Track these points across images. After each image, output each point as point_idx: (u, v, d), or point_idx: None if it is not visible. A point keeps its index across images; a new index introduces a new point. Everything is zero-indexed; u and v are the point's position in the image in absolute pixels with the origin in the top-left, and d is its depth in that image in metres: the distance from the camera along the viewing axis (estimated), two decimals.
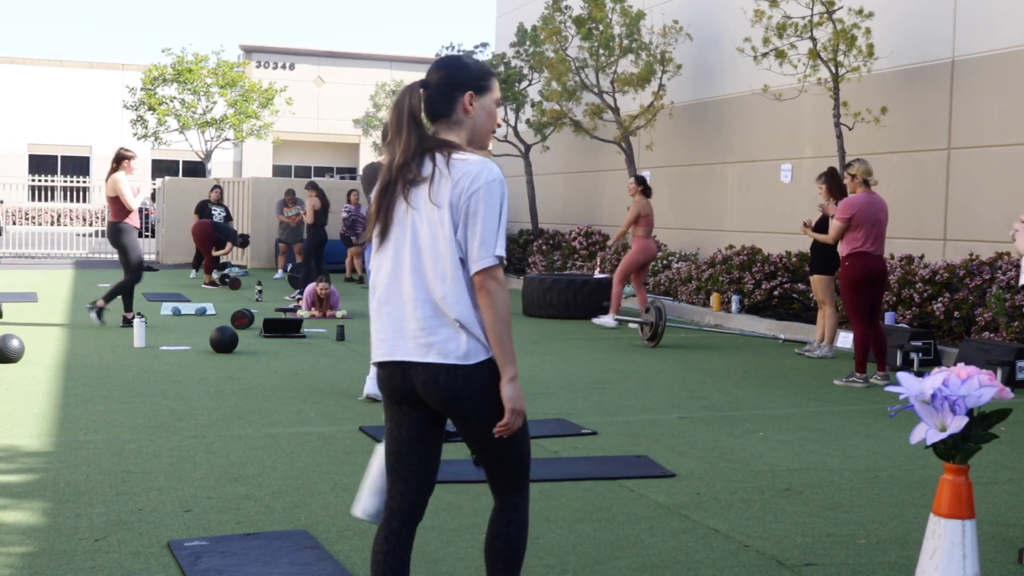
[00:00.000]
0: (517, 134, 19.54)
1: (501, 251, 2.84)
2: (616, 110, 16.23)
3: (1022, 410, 7.06)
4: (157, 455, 5.68)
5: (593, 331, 12.06)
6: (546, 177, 20.21)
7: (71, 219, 36.07)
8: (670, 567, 4.06)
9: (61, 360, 8.97)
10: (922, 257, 11.41)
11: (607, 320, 12.35)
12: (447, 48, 21.05)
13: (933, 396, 3.12)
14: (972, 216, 11.41)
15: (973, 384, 3.10)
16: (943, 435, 3.10)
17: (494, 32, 23.06)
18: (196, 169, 43.37)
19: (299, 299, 13.95)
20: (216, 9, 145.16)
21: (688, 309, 13.54)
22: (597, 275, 13.94)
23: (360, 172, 46.99)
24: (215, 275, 17.49)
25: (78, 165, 48.62)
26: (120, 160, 11.34)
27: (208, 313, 12.82)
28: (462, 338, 2.86)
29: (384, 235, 2.95)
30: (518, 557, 3.01)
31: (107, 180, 11.31)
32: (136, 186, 11.46)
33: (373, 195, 3.05)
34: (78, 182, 30.72)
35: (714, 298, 13.22)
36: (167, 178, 23.22)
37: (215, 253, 17.48)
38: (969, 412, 3.12)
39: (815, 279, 10.08)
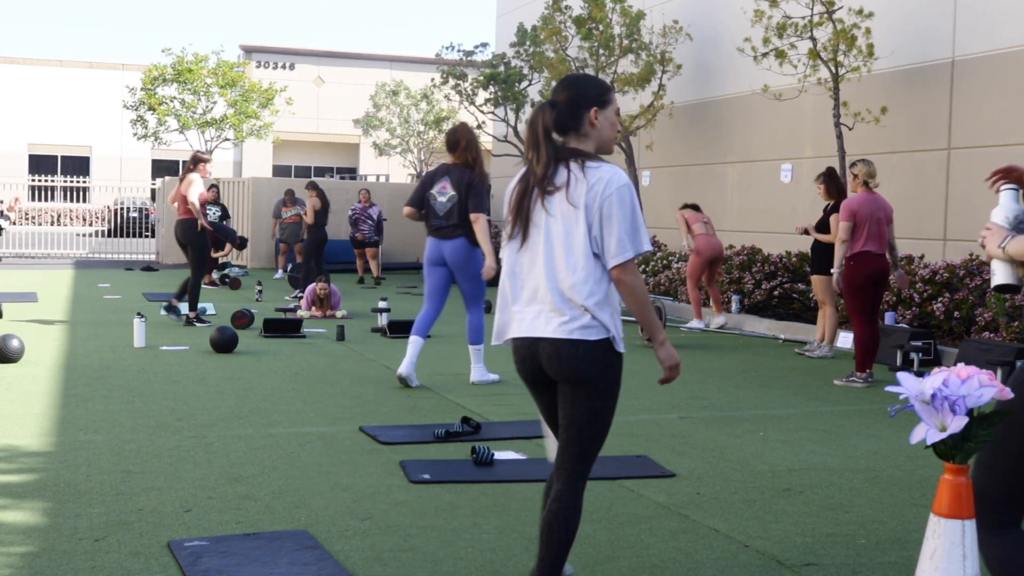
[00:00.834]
0: (517, 134, 19.54)
1: (643, 247, 3.30)
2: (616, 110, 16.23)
3: None
4: (157, 455, 5.68)
5: None
6: None
7: (71, 219, 36.06)
8: (670, 567, 4.06)
9: (61, 360, 8.97)
10: (922, 257, 11.41)
11: (696, 324, 12.17)
12: (447, 48, 21.06)
13: (933, 396, 3.12)
14: (972, 216, 11.41)
15: (973, 384, 3.10)
16: (943, 435, 3.10)
17: (494, 32, 23.06)
18: None
19: (300, 298, 13.99)
20: (216, 9, 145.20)
21: (688, 309, 13.54)
22: None
23: (360, 172, 46.97)
24: (215, 275, 17.49)
25: (78, 165, 48.61)
26: (197, 162, 11.63)
27: (208, 313, 12.82)
28: (585, 319, 3.29)
29: (524, 235, 3.41)
30: (571, 540, 3.39)
31: (181, 180, 11.50)
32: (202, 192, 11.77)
33: (511, 199, 3.46)
34: (78, 182, 30.70)
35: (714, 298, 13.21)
36: (167, 178, 23.22)
37: (214, 255, 17.46)
38: (969, 412, 3.12)
39: (815, 279, 10.08)
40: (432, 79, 22.74)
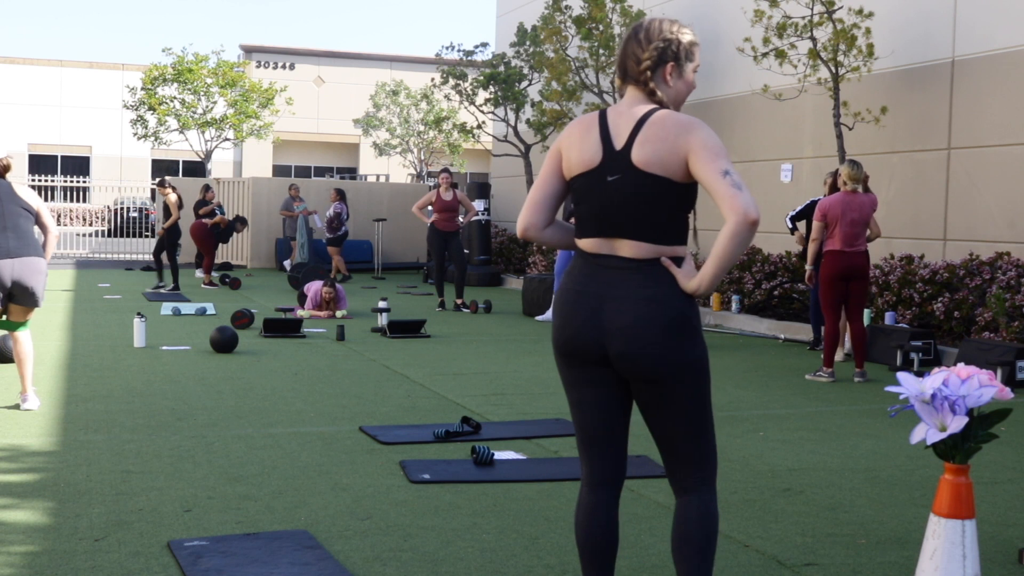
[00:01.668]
0: (517, 134, 19.54)
1: None
2: None
3: (1022, 410, 7.06)
4: (157, 455, 5.68)
5: None
6: None
7: (71, 219, 36.06)
8: (670, 567, 4.05)
9: (61, 360, 8.97)
10: (922, 257, 11.41)
11: None
12: (447, 48, 21.06)
13: (933, 396, 3.12)
14: (972, 216, 11.41)
15: (973, 384, 3.10)
16: (943, 435, 3.10)
17: (494, 32, 23.06)
18: (196, 169, 43.39)
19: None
20: (216, 9, 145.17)
21: None
22: None
23: (360, 172, 46.95)
24: (215, 275, 17.49)
25: (78, 165, 48.61)
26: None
27: (208, 313, 12.83)
28: None
29: None
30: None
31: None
32: None
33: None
34: (78, 182, 30.71)
35: (714, 298, 13.23)
36: (167, 178, 23.24)
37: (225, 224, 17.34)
38: (969, 412, 3.12)
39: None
40: (432, 79, 22.76)
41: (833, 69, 12.18)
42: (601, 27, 16.13)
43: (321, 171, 49.82)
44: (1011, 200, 10.95)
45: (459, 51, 20.96)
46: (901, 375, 3.22)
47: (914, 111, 12.20)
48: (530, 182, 19.61)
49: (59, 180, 30.87)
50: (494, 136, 21.37)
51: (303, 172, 49.74)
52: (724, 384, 8.49)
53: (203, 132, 33.40)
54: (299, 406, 7.16)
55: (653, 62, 3.03)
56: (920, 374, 5.48)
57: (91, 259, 24.02)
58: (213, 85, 33.31)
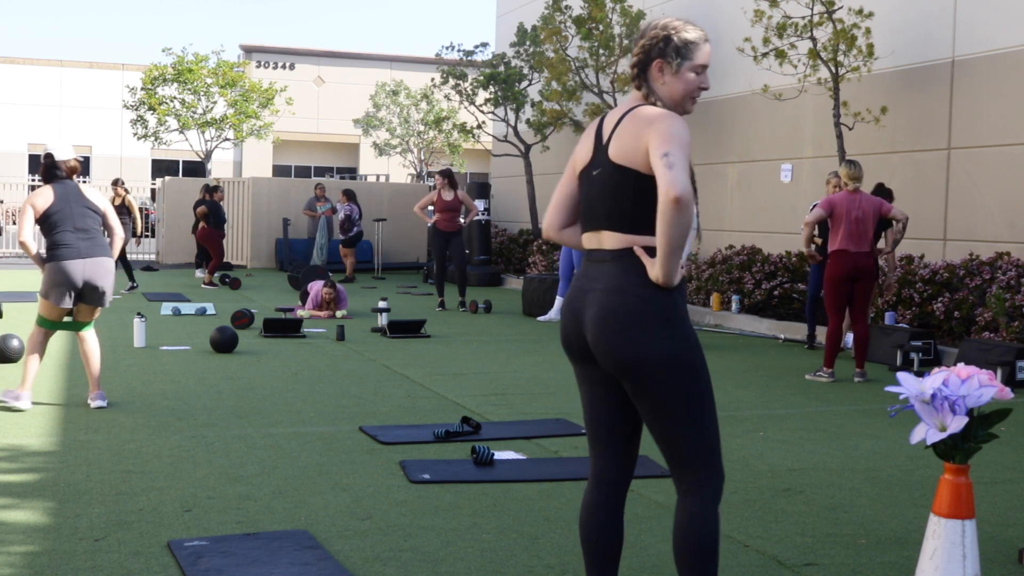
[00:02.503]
0: (517, 134, 19.54)
1: None
2: None
3: (1022, 410, 7.06)
4: (157, 455, 5.68)
5: None
6: (546, 177, 20.21)
7: None
8: (670, 567, 4.05)
9: (61, 360, 8.97)
10: (922, 257, 11.42)
11: None
12: (447, 48, 21.05)
13: (933, 396, 3.12)
14: (972, 216, 11.41)
15: (973, 384, 3.10)
16: (943, 435, 3.10)
17: (494, 32, 23.06)
18: (196, 169, 43.36)
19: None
20: (216, 9, 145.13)
21: (688, 309, 13.55)
22: None
23: (360, 172, 46.92)
24: (215, 275, 17.49)
25: None
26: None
27: (208, 313, 12.83)
28: None
29: None
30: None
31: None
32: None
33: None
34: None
35: (714, 298, 13.23)
36: (167, 178, 23.25)
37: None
38: (969, 412, 3.12)
39: None
40: (432, 79, 22.74)
41: (833, 69, 12.18)
42: (601, 27, 16.13)
43: (321, 171, 49.78)
44: (1011, 200, 10.95)
45: (459, 51, 20.94)
46: (901, 375, 3.22)
47: (914, 111, 12.20)
48: (530, 182, 19.61)
49: None
50: (494, 136, 21.37)
51: (303, 172, 49.73)
52: (724, 384, 8.49)
53: (203, 132, 33.38)
54: (299, 406, 7.16)
55: (640, 60, 3.05)
56: (920, 374, 5.48)
57: None
58: (213, 85, 33.28)
